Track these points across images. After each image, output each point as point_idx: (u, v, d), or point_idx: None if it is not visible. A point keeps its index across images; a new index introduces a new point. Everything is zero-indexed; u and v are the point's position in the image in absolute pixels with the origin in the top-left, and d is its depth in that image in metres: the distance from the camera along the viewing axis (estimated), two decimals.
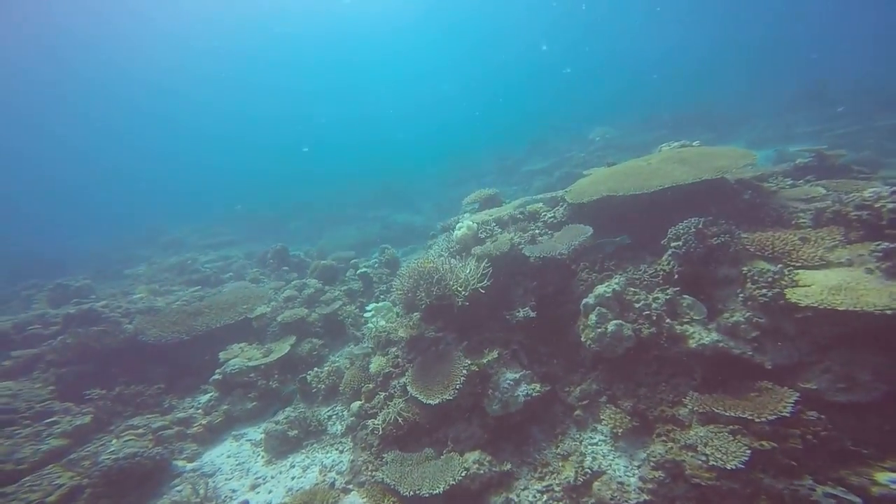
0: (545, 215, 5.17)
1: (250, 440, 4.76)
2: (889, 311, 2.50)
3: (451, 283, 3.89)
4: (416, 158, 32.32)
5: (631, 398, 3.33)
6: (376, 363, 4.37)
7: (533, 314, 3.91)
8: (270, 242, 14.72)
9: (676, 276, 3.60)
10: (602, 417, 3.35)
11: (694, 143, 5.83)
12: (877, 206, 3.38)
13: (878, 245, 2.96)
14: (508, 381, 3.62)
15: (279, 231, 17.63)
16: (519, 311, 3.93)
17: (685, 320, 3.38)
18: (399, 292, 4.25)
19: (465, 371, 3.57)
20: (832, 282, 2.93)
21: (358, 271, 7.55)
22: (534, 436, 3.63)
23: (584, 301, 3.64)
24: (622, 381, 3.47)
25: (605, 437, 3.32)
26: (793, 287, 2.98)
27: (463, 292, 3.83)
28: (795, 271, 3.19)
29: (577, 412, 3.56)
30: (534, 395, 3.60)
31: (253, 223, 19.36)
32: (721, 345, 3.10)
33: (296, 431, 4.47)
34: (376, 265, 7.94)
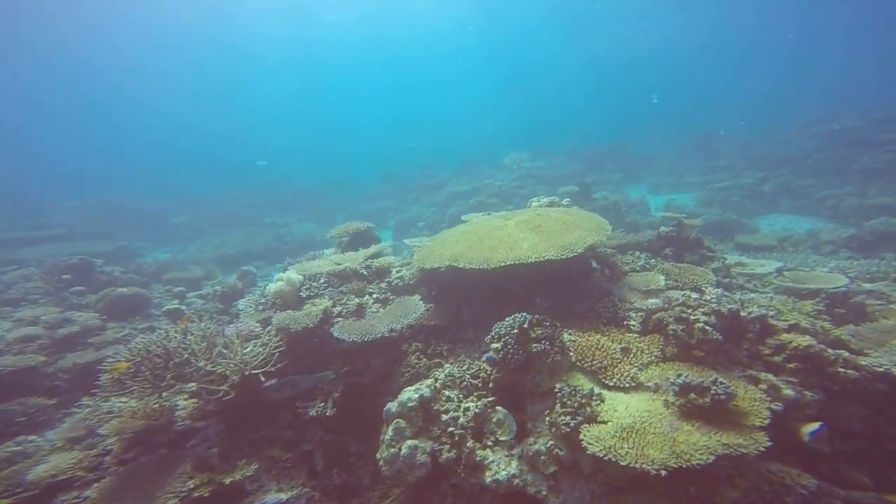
0: (395, 274, 4.59)
1: None
2: (663, 472, 2.23)
3: (216, 365, 3.06)
4: (354, 167, 30.97)
5: None
6: (56, 461, 3.17)
7: (331, 411, 3.23)
8: (135, 240, 12.49)
9: (492, 385, 3.18)
10: None
11: (563, 202, 5.71)
12: (691, 319, 3.26)
13: (678, 376, 2.77)
14: None
15: (157, 227, 15.18)
16: (313, 407, 3.24)
17: (490, 441, 2.95)
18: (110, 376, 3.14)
19: (175, 500, 2.75)
20: (630, 417, 2.66)
21: (165, 307, 6.01)
22: None
23: (387, 406, 3.06)
24: None
25: None
26: (591, 422, 2.66)
27: (233, 377, 3.02)
28: (605, 393, 2.92)
29: None
30: None
31: (123, 215, 16.36)
32: (517, 481, 2.69)
33: None
34: (211, 296, 6.61)
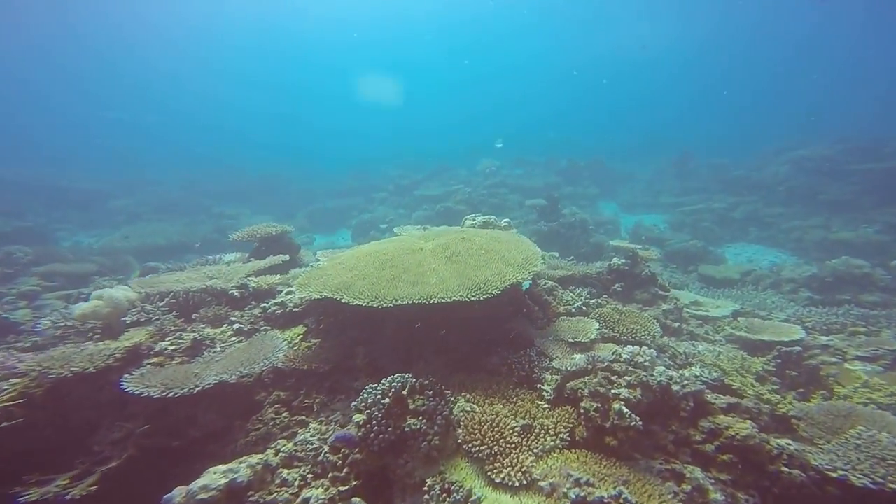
0: (278, 297, 3.79)
1: None
2: None
3: None
4: (328, 160, 29.80)
5: None
6: None
7: (81, 491, 2.35)
8: (59, 222, 11.17)
9: (347, 470, 2.46)
10: None
11: (502, 223, 5.04)
12: (610, 394, 2.62)
13: (575, 483, 2.11)
14: None
15: (92, 209, 13.75)
16: (52, 484, 2.33)
17: None
18: None
19: None
20: None
21: None
22: None
23: (169, 495, 2.25)
24: None
25: None
26: None
27: None
28: (487, 496, 2.24)
29: None
30: None
31: (49, 194, 14.51)
32: None
33: None
34: (76, 298, 5.36)
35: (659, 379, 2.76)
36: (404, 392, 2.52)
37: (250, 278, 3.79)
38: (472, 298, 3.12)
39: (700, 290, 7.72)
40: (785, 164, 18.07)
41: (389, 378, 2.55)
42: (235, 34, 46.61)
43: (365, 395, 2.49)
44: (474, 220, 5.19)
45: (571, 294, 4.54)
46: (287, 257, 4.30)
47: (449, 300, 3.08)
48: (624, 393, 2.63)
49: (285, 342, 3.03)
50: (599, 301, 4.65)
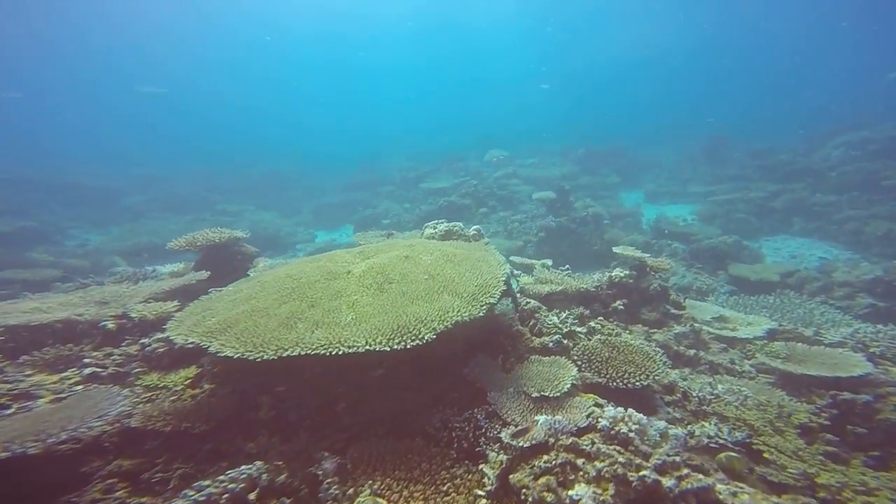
0: (165, 333, 3.07)
1: None
2: None
3: None
4: (339, 151, 29.45)
5: None
6: None
7: None
8: (70, 220, 11.14)
9: None
10: None
11: (470, 231, 4.10)
12: (564, 500, 1.73)
13: None
14: None
15: (106, 207, 13.73)
16: None
17: None
18: None
19: None
20: None
21: None
22: None
23: None
24: None
25: None
26: None
27: None
28: None
29: None
30: None
31: (61, 193, 14.60)
32: None
33: None
34: None
35: (641, 473, 1.84)
36: (252, 496, 1.74)
37: (136, 306, 3.11)
38: (396, 347, 2.28)
39: (729, 297, 6.52)
40: (839, 146, 15.89)
41: (232, 473, 1.78)
42: (244, 30, 46.66)
43: (183, 501, 1.72)
44: (435, 228, 4.29)
45: (556, 318, 3.60)
46: (205, 275, 3.61)
47: (360, 351, 2.26)
48: (587, 497, 1.74)
49: (126, 399, 2.30)
50: (593, 325, 3.70)
